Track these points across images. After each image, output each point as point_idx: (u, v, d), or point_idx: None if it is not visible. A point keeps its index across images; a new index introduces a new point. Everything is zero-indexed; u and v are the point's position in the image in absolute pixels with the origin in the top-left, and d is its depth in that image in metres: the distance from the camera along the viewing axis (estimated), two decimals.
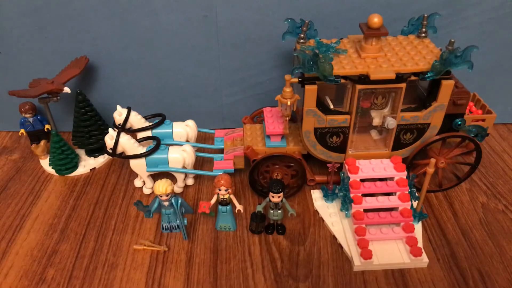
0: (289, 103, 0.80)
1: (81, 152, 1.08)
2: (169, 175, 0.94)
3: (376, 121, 0.85)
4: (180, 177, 0.96)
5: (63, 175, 1.03)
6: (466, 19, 1.00)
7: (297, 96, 0.81)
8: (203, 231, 0.87)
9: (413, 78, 0.80)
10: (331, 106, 0.86)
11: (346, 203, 0.84)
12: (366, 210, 0.83)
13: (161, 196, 0.80)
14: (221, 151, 1.02)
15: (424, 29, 0.87)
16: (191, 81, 1.10)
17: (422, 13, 0.87)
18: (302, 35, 0.86)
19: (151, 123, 0.99)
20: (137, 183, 0.99)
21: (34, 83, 1.02)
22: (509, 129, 1.17)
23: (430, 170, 0.79)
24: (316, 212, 0.91)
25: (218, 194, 0.82)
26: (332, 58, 0.78)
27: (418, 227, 0.86)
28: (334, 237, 0.85)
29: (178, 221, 0.83)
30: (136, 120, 0.98)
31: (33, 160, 1.08)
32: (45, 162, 1.05)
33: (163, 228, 0.86)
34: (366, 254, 0.78)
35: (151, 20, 0.99)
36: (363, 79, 0.78)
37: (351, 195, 0.83)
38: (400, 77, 0.78)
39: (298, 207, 0.92)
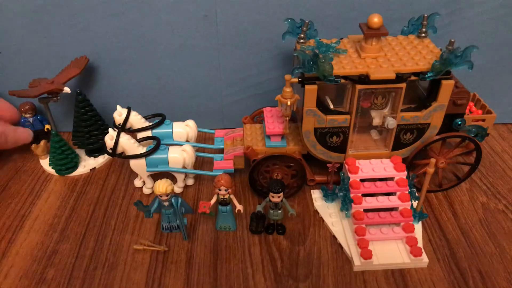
0: (289, 103, 0.80)
1: (81, 152, 1.08)
2: (169, 175, 0.94)
3: (376, 121, 0.85)
4: (180, 177, 0.96)
5: (63, 175, 1.03)
6: (466, 19, 1.00)
7: (297, 96, 0.81)
8: (203, 231, 0.87)
9: (413, 78, 0.80)
10: (331, 106, 0.86)
11: (346, 203, 0.84)
12: (366, 210, 0.83)
13: (161, 196, 0.80)
14: (221, 151, 1.02)
15: (424, 29, 0.87)
16: (191, 81, 1.10)
17: (422, 13, 0.87)
18: (302, 35, 0.86)
19: (151, 123, 0.99)
20: (137, 183, 0.99)
21: (34, 83, 1.02)
22: (509, 129, 1.17)
23: (430, 170, 0.79)
24: (316, 212, 0.91)
25: (218, 194, 0.82)
26: (332, 58, 0.78)
27: (418, 227, 0.86)
28: (334, 237, 0.85)
29: (178, 221, 0.83)
30: (136, 120, 0.98)
31: (33, 160, 1.08)
32: (45, 162, 1.05)
33: (163, 228, 0.86)
34: (366, 254, 0.78)
35: (151, 20, 0.99)
36: (363, 79, 0.78)
37: (351, 195, 0.83)
38: (400, 77, 0.78)
39: (298, 207, 0.92)
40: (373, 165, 0.86)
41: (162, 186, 0.78)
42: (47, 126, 1.10)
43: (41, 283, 0.78)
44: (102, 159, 1.07)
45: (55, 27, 1.01)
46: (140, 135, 0.98)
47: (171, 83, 1.10)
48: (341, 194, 0.85)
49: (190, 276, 0.78)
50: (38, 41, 1.03)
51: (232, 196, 0.83)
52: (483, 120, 0.93)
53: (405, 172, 0.85)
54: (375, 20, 0.78)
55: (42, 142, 1.04)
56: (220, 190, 0.81)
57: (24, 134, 1.04)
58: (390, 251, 0.81)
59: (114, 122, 0.97)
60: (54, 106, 1.06)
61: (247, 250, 0.83)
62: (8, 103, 1.08)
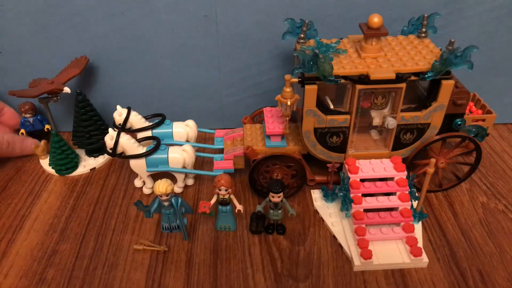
0: (289, 103, 0.80)
1: (81, 152, 1.08)
2: (169, 175, 0.94)
3: (376, 121, 0.85)
4: (180, 177, 0.96)
5: (63, 175, 1.03)
6: (466, 19, 1.00)
7: (297, 96, 0.81)
8: (203, 231, 0.87)
9: (413, 78, 0.80)
10: (331, 106, 0.86)
11: (346, 203, 0.84)
12: (366, 210, 0.83)
13: (161, 196, 0.80)
14: (221, 151, 1.02)
15: (424, 29, 0.87)
16: (191, 81, 1.10)
17: (422, 13, 0.87)
18: (302, 35, 0.86)
19: (151, 123, 0.99)
20: (137, 183, 0.99)
21: (34, 83, 1.02)
22: (509, 129, 1.17)
23: (430, 170, 0.79)
24: (316, 212, 0.91)
25: (218, 194, 0.82)
26: (332, 58, 0.78)
27: (418, 227, 0.86)
28: (334, 237, 0.85)
29: (178, 221, 0.83)
30: (136, 120, 0.98)
31: (33, 160, 1.08)
32: (45, 162, 1.05)
33: (163, 228, 0.86)
34: (366, 254, 0.78)
35: (151, 20, 0.99)
36: (363, 79, 0.78)
37: (351, 195, 0.83)
38: (400, 77, 0.78)
39: (298, 207, 0.92)
40: (373, 165, 0.86)
41: (162, 186, 0.78)
42: (47, 126, 1.10)
43: (41, 283, 0.78)
44: (102, 159, 1.07)
45: (55, 27, 1.01)
46: (140, 135, 0.98)
47: (171, 83, 1.10)
48: (341, 194, 0.85)
49: (190, 276, 0.78)
50: (38, 41, 1.03)
51: (232, 196, 0.83)
52: (483, 120, 0.93)
53: (405, 172, 0.85)
54: (375, 20, 0.78)
55: (42, 142, 1.04)
56: (220, 190, 0.81)
57: (32, 144, 1.05)
58: (390, 251, 0.81)
59: (114, 122, 0.97)
60: (54, 106, 1.06)
61: (247, 250, 0.83)
62: (14, 110, 1.09)
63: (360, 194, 0.84)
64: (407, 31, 0.90)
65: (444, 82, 0.80)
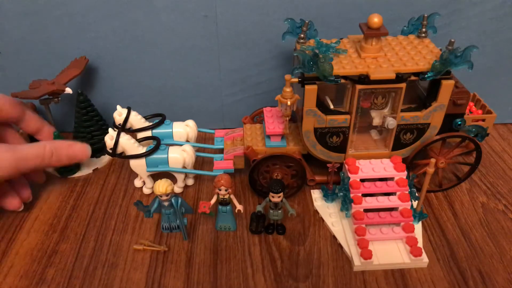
0: (289, 103, 0.80)
1: None
2: (169, 175, 0.94)
3: (376, 121, 0.85)
4: (180, 177, 0.96)
5: (63, 175, 1.03)
6: (466, 19, 1.00)
7: (297, 96, 0.81)
8: (203, 231, 0.87)
9: (413, 78, 0.80)
10: (331, 106, 0.86)
11: (346, 203, 0.84)
12: (366, 210, 0.83)
13: (161, 196, 0.80)
14: (221, 151, 1.02)
15: (424, 29, 0.87)
16: (191, 81, 1.10)
17: (422, 13, 0.87)
18: (302, 35, 0.86)
19: (151, 123, 0.99)
20: (137, 183, 0.99)
21: (34, 84, 1.02)
22: (509, 129, 1.17)
23: (430, 170, 0.79)
24: (316, 212, 0.91)
25: (218, 194, 0.82)
26: (332, 58, 0.78)
27: (418, 227, 0.86)
28: (334, 237, 0.85)
29: (178, 221, 0.83)
30: (136, 120, 0.98)
31: None
32: None
33: (163, 228, 0.86)
34: (366, 254, 0.78)
35: (151, 20, 0.99)
36: (363, 79, 0.78)
37: (351, 195, 0.83)
38: (400, 77, 0.78)
39: (298, 207, 0.92)
40: (373, 165, 0.86)
41: (162, 186, 0.78)
42: None
43: (41, 283, 0.78)
44: (105, 159, 1.06)
45: (55, 27, 1.01)
46: (140, 135, 0.98)
47: (171, 83, 1.10)
48: (341, 194, 0.85)
49: (190, 276, 0.78)
50: (38, 41, 1.03)
51: (232, 196, 0.83)
52: (483, 120, 0.93)
53: (405, 172, 0.85)
54: (375, 20, 0.78)
55: None
56: (220, 190, 0.81)
57: (81, 151, 0.90)
58: (390, 251, 0.81)
59: (114, 122, 0.97)
60: (55, 106, 1.05)
61: (247, 250, 0.83)
62: (52, 130, 0.97)
63: (360, 194, 0.84)
64: (407, 31, 0.90)
65: (444, 82, 0.80)
